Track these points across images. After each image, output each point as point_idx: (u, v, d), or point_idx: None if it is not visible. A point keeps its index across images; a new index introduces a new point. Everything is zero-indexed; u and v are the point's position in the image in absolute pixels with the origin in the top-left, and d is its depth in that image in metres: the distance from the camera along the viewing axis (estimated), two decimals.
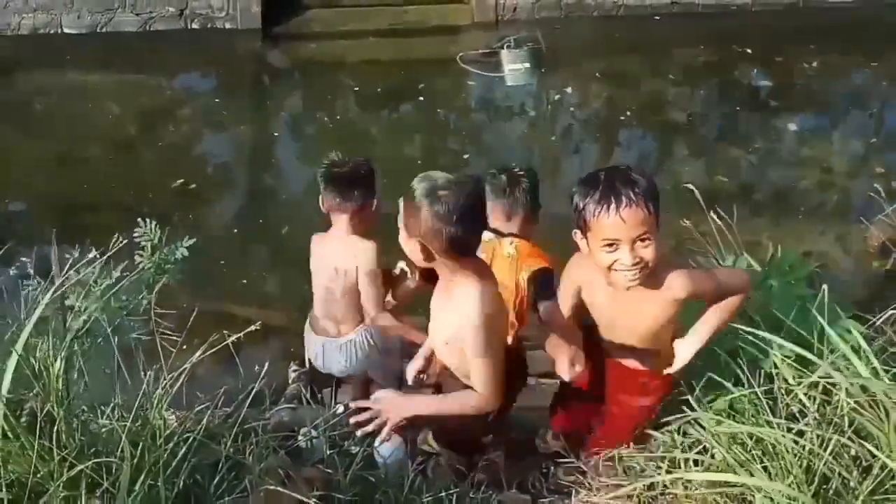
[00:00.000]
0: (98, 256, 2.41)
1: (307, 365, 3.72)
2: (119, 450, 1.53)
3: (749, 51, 7.37)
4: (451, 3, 7.69)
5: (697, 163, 6.13)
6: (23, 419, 1.69)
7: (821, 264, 2.45)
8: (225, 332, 2.02)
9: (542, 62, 7.09)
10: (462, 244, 1.94)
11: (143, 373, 1.92)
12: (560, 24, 7.57)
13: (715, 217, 2.80)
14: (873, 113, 6.82)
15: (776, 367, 2.08)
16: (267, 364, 2.11)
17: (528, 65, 7.05)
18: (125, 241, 2.45)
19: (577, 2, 7.70)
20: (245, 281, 4.96)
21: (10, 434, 1.60)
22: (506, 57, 7.08)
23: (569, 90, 6.88)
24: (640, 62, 7.24)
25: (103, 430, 1.72)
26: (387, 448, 2.49)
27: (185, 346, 2.20)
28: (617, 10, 7.73)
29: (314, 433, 2.51)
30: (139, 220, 2.71)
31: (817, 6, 7.83)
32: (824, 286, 2.20)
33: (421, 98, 6.70)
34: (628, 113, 6.60)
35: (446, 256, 1.96)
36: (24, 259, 2.52)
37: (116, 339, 1.97)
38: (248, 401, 2.21)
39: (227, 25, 7.43)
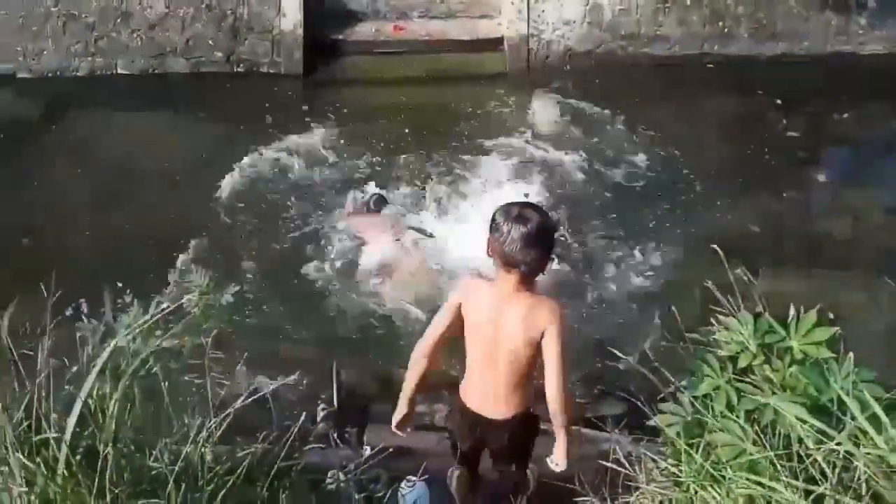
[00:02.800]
0: (152, 300, 2.57)
1: (335, 404, 3.84)
2: (165, 492, 1.65)
3: (778, 101, 7.44)
4: (486, 52, 7.92)
5: (728, 212, 6.17)
6: (77, 457, 1.83)
7: (843, 322, 2.47)
8: (266, 378, 2.15)
9: (574, 109, 7.25)
10: (516, 263, 2.71)
11: (187, 416, 2.06)
12: (590, 72, 7.74)
13: (740, 272, 2.86)
14: None
15: (792, 428, 2.13)
16: (305, 411, 2.22)
17: (559, 112, 7.22)
18: (173, 289, 2.61)
19: (606, 51, 7.88)
20: (279, 320, 5.13)
21: (66, 472, 1.73)
22: (537, 105, 7.24)
23: (599, 136, 7.01)
24: (670, 110, 7.34)
25: (151, 471, 1.85)
26: (412, 493, 2.58)
27: (226, 384, 2.34)
28: (648, 58, 7.88)
29: (342, 476, 2.62)
30: (192, 266, 2.87)
31: (847, 55, 7.87)
32: (850, 354, 2.24)
33: (455, 144, 6.89)
34: (658, 162, 6.69)
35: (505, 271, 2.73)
36: (79, 299, 2.67)
37: (167, 383, 2.11)
38: (284, 442, 2.33)
39: (272, 71, 7.76)
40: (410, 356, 3.13)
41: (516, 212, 2.69)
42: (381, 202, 6.12)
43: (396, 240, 5.79)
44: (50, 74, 7.71)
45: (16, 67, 7.69)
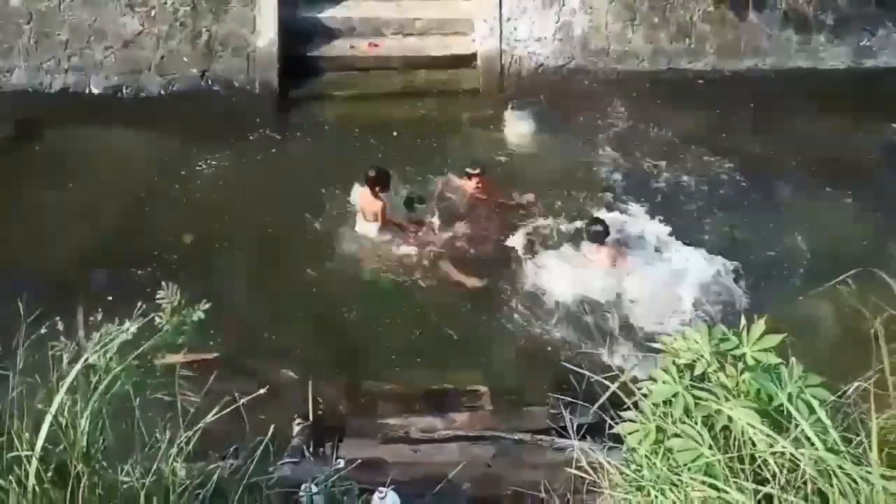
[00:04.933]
0: (125, 316, 2.60)
1: (310, 419, 3.87)
2: None
3: (744, 114, 7.65)
4: (460, 68, 8.05)
5: (693, 226, 6.33)
6: (49, 474, 1.86)
7: (793, 332, 2.58)
8: (237, 394, 2.20)
9: (546, 123, 7.40)
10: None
11: (158, 432, 2.10)
12: (561, 87, 7.90)
13: None
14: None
15: (744, 433, 2.23)
16: (277, 425, 2.27)
17: (531, 126, 7.36)
18: (143, 307, 2.64)
19: (577, 67, 8.05)
20: (254, 334, 5.16)
21: (37, 489, 1.77)
22: (510, 119, 7.40)
23: (570, 149, 7.15)
24: (639, 124, 7.51)
25: (123, 485, 1.89)
26: (383, 502, 2.64)
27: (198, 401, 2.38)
28: (616, 74, 8.06)
29: (314, 489, 2.66)
30: (162, 282, 2.89)
31: (808, 70, 8.12)
32: (792, 358, 2.35)
33: (432, 156, 6.99)
34: (627, 176, 6.84)
35: None
36: (53, 317, 2.70)
37: (138, 400, 2.15)
38: (253, 457, 2.37)
39: (247, 88, 7.81)
40: None
41: None
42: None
43: None
44: (21, 91, 7.68)
45: None
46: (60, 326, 2.80)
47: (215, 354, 4.14)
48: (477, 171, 6.12)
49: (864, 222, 6.41)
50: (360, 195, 6.05)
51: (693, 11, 8.07)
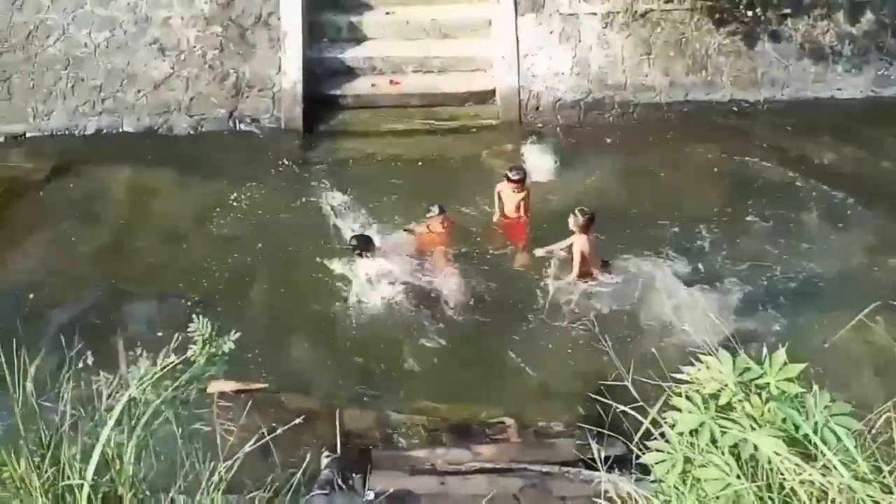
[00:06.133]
0: (161, 350, 2.71)
1: (338, 451, 3.93)
2: None
3: (763, 144, 7.70)
4: (479, 104, 8.22)
5: (713, 255, 6.35)
6: (98, 502, 1.95)
7: (817, 361, 2.61)
8: (273, 423, 2.27)
9: (564, 157, 7.50)
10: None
11: (197, 462, 2.18)
12: (579, 122, 8.02)
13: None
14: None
15: (770, 462, 2.25)
16: (308, 456, 2.34)
17: (550, 160, 7.47)
18: (179, 338, 2.75)
19: (594, 101, 8.18)
20: (280, 367, 5.25)
21: None
22: (529, 153, 7.52)
23: (589, 183, 7.23)
24: (657, 156, 7.58)
25: None
26: None
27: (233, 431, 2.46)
28: (634, 107, 8.17)
29: None
30: (193, 316, 3.00)
31: (825, 100, 8.16)
32: (815, 387, 2.38)
33: (452, 191, 7.11)
34: (646, 207, 6.90)
35: None
36: (90, 351, 2.81)
37: (180, 430, 2.24)
38: (289, 487, 2.44)
39: (272, 126, 8.04)
40: None
41: None
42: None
43: None
44: (58, 133, 7.99)
45: (26, 128, 7.97)
46: (100, 360, 2.93)
47: (265, 385, 4.24)
48: (436, 212, 6.37)
49: (884, 252, 6.38)
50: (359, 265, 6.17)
51: (708, 44, 8.19)
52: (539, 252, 6.29)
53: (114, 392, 2.43)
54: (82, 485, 1.83)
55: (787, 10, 8.12)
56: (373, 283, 6.04)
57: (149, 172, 7.50)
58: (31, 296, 6.01)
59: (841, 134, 7.74)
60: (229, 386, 3.56)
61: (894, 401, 2.36)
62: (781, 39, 8.19)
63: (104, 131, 7.99)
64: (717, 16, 8.11)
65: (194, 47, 8.05)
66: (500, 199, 6.56)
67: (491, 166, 7.55)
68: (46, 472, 1.92)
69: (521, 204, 6.46)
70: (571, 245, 5.99)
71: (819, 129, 7.82)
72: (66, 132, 7.97)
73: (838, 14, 8.16)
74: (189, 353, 2.95)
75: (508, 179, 6.39)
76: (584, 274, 5.98)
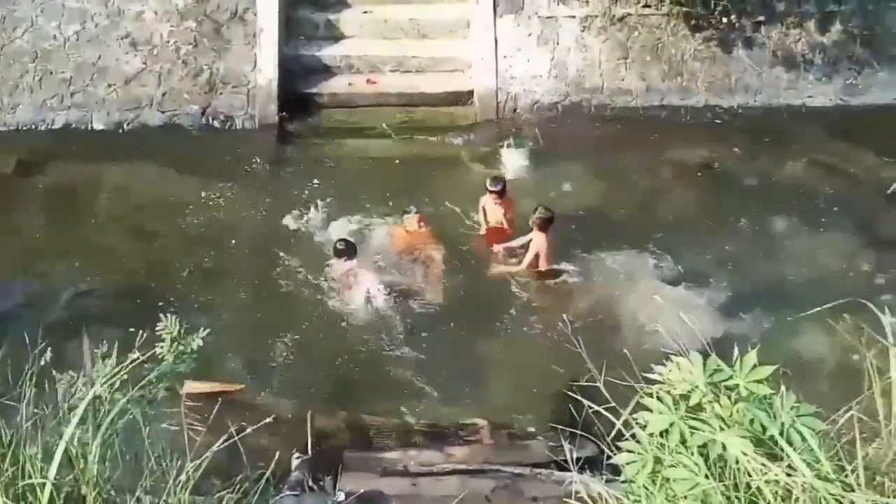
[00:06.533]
0: (128, 348, 2.66)
1: (309, 452, 3.89)
2: None
3: (736, 150, 7.82)
4: (457, 105, 8.22)
5: (687, 257, 6.42)
6: (61, 501, 1.90)
7: (787, 362, 2.65)
8: (243, 423, 2.24)
9: (541, 159, 7.54)
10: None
11: (164, 461, 2.14)
12: (556, 123, 8.07)
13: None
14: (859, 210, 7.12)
15: (738, 462, 2.28)
16: (278, 457, 2.31)
17: (527, 162, 7.50)
18: (145, 336, 2.70)
19: (571, 104, 8.23)
20: (251, 367, 5.19)
21: None
22: (506, 155, 7.54)
23: (565, 185, 7.27)
24: (633, 160, 7.65)
25: None
26: None
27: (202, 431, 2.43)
28: (610, 111, 8.24)
29: None
30: (161, 315, 2.95)
31: (796, 108, 8.32)
32: (782, 388, 2.42)
33: (427, 191, 7.10)
34: (622, 210, 6.96)
35: None
36: (55, 349, 2.75)
37: (147, 429, 2.19)
38: (258, 486, 2.41)
39: (247, 124, 7.95)
40: None
41: None
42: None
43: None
44: (25, 127, 7.81)
45: None
46: (66, 359, 2.87)
47: (241, 386, 4.19)
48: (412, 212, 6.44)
49: (853, 255, 6.51)
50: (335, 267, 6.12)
51: (684, 50, 8.29)
52: (497, 248, 6.34)
53: (77, 390, 2.38)
54: (44, 484, 1.78)
55: (761, 18, 8.25)
56: (350, 287, 6.01)
57: (118, 169, 7.37)
58: None
59: (812, 141, 7.88)
60: (204, 387, 3.51)
61: (857, 401, 2.40)
62: (755, 46, 8.33)
63: (72, 126, 7.83)
64: (692, 22, 8.21)
65: (167, 42, 7.93)
66: (484, 211, 6.53)
67: (468, 168, 7.56)
68: (6, 471, 1.86)
69: (504, 214, 6.41)
70: (530, 242, 6.05)
71: (791, 135, 7.96)
72: (33, 126, 7.79)
73: (809, 23, 8.31)
74: (157, 350, 2.91)
75: (489, 191, 6.37)
76: (543, 274, 6.04)
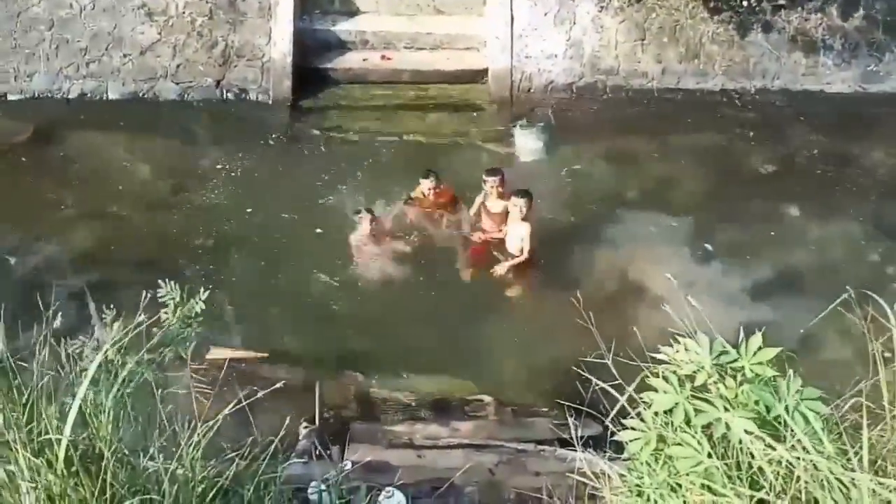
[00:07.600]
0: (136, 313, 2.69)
1: (317, 422, 3.95)
2: (160, 491, 1.78)
3: (751, 134, 7.75)
4: (471, 83, 8.17)
5: (698, 240, 6.41)
6: (77, 457, 1.95)
7: (794, 346, 2.66)
8: (254, 387, 2.28)
9: (554, 140, 7.50)
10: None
11: (177, 423, 2.19)
12: (570, 104, 8.01)
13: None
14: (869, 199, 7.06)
15: (741, 441, 2.30)
16: (286, 425, 2.34)
17: (540, 143, 7.47)
18: (147, 296, 2.73)
19: (586, 85, 8.17)
20: (263, 337, 5.25)
21: (65, 471, 1.86)
22: (519, 135, 7.51)
23: (578, 167, 7.25)
24: (646, 142, 7.60)
25: (146, 472, 1.97)
26: (390, 501, 2.71)
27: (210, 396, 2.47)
28: (626, 92, 8.17)
29: (323, 487, 2.74)
30: (160, 281, 2.97)
31: (815, 93, 8.21)
32: (790, 371, 2.43)
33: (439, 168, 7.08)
34: (633, 191, 6.93)
35: None
36: (68, 312, 2.79)
37: (160, 391, 2.24)
38: (267, 453, 2.46)
39: (260, 97, 7.95)
40: None
41: None
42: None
43: None
44: (41, 95, 7.84)
45: (7, 89, 7.82)
46: (79, 324, 2.92)
47: (265, 354, 4.25)
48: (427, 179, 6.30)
49: (865, 244, 6.47)
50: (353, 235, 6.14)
51: (702, 32, 8.19)
52: (499, 270, 5.95)
53: (87, 354, 2.42)
54: (60, 440, 1.83)
55: (781, 2, 8.12)
56: (366, 256, 6.03)
57: (132, 139, 7.40)
58: (11, 259, 5.96)
59: (828, 128, 7.79)
60: (228, 353, 3.56)
61: (861, 386, 2.41)
62: (774, 30, 8.21)
63: (88, 95, 7.86)
64: (711, 4, 8.09)
65: (183, 13, 7.91)
66: (484, 208, 6.17)
67: (479, 146, 7.54)
68: (25, 427, 1.91)
69: (504, 215, 6.01)
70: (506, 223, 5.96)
71: (807, 121, 7.87)
72: (49, 95, 7.83)
73: (831, 8, 8.17)
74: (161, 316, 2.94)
75: (486, 180, 6.00)
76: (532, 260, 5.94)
